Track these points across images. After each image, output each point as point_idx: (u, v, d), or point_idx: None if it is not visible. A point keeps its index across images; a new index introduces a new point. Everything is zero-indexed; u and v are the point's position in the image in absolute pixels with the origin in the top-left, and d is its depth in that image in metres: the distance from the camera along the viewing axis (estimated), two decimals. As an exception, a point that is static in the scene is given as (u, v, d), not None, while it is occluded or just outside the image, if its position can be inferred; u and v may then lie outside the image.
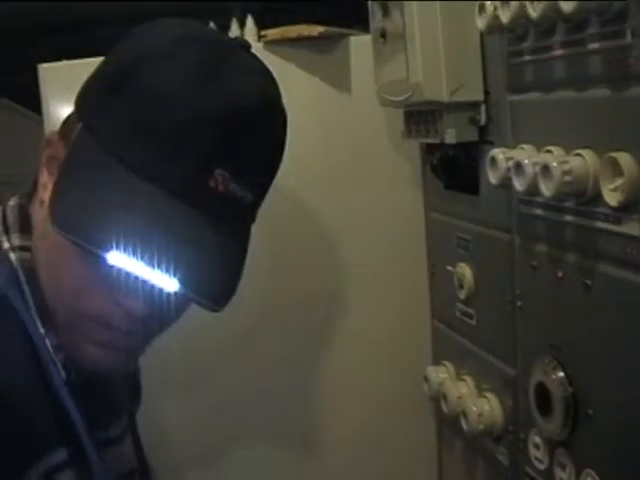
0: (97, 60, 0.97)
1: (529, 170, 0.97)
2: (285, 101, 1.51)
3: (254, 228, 0.97)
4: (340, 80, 1.49)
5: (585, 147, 0.92)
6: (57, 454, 0.89)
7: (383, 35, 1.28)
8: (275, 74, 1.45)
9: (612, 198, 0.87)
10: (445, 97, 1.17)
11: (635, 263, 0.87)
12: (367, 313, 1.53)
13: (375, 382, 1.54)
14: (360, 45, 1.47)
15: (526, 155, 1.00)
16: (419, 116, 1.29)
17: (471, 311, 1.31)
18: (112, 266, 0.85)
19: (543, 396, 1.05)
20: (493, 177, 1.07)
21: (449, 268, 1.36)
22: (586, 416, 0.98)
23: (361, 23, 1.65)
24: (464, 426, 1.27)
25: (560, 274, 1.02)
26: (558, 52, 0.96)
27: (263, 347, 1.50)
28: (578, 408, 0.99)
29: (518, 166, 1.00)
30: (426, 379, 1.43)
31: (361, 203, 1.51)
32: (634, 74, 0.83)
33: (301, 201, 1.49)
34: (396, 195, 1.51)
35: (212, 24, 1.63)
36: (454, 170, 1.31)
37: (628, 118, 0.86)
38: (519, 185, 1.00)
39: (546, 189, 0.94)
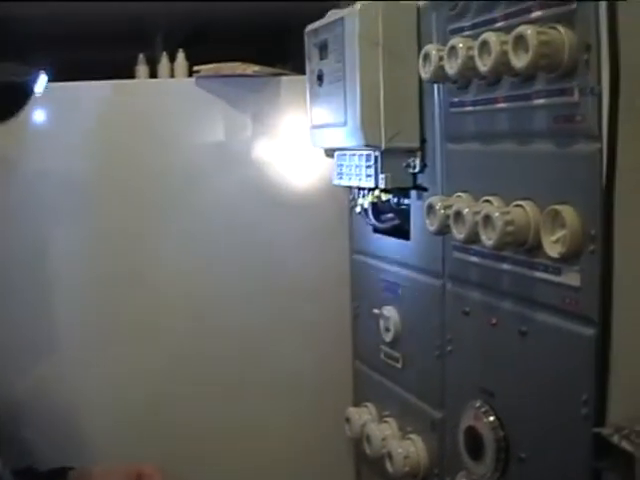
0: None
1: (469, 219, 0.99)
2: (216, 137, 1.52)
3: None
4: (270, 118, 1.50)
5: (524, 198, 0.95)
6: None
7: (320, 78, 1.29)
8: (207, 109, 1.47)
9: (553, 249, 0.90)
10: (383, 143, 1.18)
11: (574, 313, 0.90)
12: (289, 353, 1.52)
13: (294, 422, 1.54)
14: (291, 85, 1.49)
15: (465, 204, 1.02)
16: (352, 159, 1.30)
17: (397, 354, 1.32)
18: None
19: (473, 440, 1.07)
20: (431, 224, 1.08)
21: (375, 311, 1.37)
22: (518, 459, 1.00)
23: (281, 61, 1.67)
24: (389, 468, 1.27)
25: (494, 320, 1.04)
26: (502, 105, 0.99)
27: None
28: (510, 452, 1.02)
29: (458, 215, 1.02)
30: (347, 420, 1.43)
31: (287, 241, 1.51)
32: (580, 131, 0.87)
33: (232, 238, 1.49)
34: (322, 237, 1.52)
35: (142, 56, 1.63)
36: (384, 215, 1.32)
37: (572, 172, 0.89)
38: (458, 234, 1.02)
39: (487, 239, 0.96)
